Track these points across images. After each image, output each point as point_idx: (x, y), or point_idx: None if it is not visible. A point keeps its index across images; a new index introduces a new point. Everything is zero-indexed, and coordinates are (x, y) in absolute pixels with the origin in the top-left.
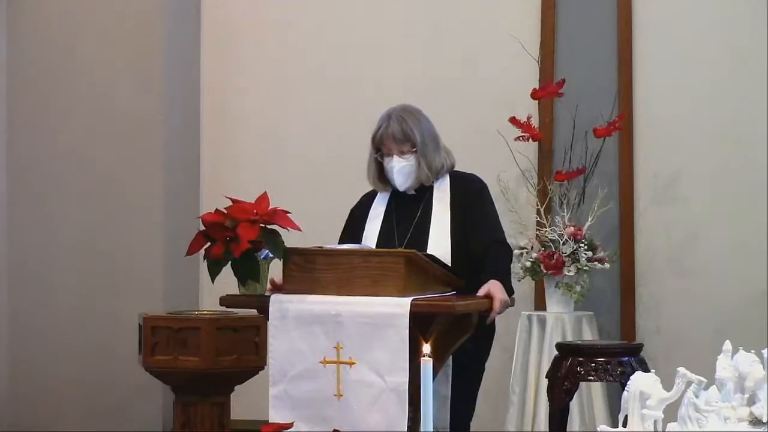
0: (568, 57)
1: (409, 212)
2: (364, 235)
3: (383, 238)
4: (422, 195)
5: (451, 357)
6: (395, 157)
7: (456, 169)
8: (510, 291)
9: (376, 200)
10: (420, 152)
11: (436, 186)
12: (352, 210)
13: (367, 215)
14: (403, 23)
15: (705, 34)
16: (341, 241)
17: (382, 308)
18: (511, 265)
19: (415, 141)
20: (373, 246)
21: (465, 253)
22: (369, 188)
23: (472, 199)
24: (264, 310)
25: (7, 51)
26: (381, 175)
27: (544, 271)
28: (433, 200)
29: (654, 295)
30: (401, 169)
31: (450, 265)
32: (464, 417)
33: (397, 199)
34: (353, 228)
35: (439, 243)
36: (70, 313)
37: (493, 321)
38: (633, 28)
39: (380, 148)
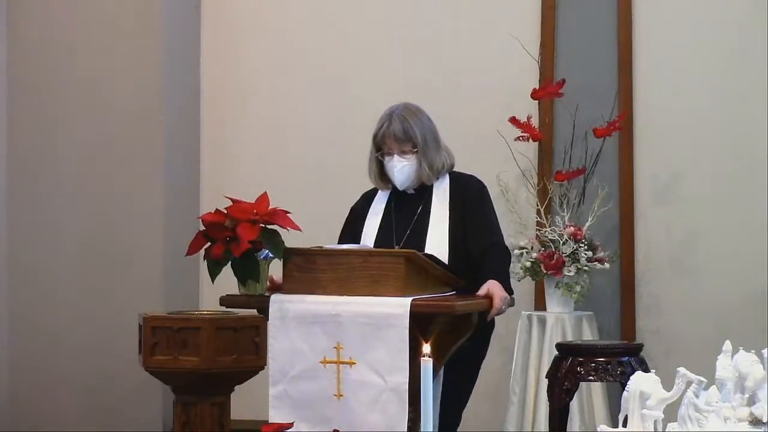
0: (568, 57)
1: (408, 211)
2: (363, 232)
3: (382, 236)
4: (422, 194)
5: None
6: (396, 157)
7: (456, 169)
8: (509, 291)
9: (376, 198)
10: (421, 152)
11: (435, 186)
12: (352, 208)
13: (367, 213)
14: (404, 23)
15: (705, 35)
16: (341, 239)
17: (382, 308)
18: (511, 266)
19: (417, 141)
20: (371, 244)
21: (462, 253)
22: (369, 187)
23: (471, 200)
24: (264, 310)
25: (7, 51)
26: (382, 174)
27: (544, 271)
28: (433, 200)
29: (654, 295)
30: (402, 169)
31: (448, 262)
32: (453, 417)
33: (397, 197)
34: (353, 226)
35: (437, 243)
36: (70, 313)
37: (493, 322)
38: (633, 28)
39: (381, 147)
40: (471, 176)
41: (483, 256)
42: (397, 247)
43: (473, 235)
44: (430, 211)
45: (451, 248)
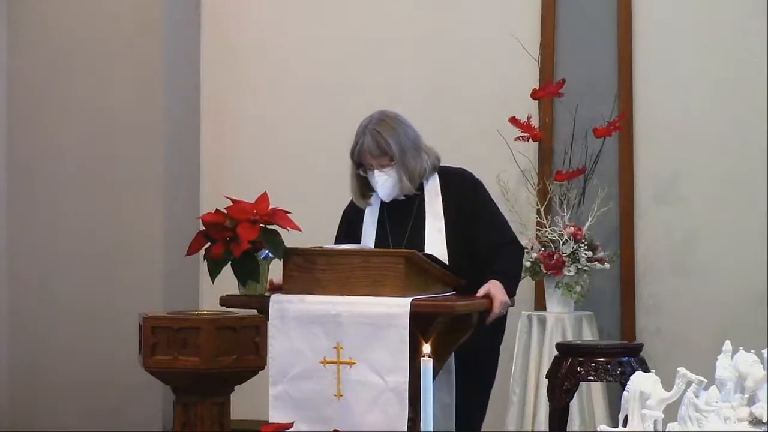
0: (568, 57)
1: (402, 217)
2: (361, 244)
3: (379, 248)
4: (413, 197)
5: (453, 364)
6: (377, 172)
7: (448, 164)
8: (512, 293)
9: (367, 213)
10: (399, 162)
11: (426, 188)
12: (345, 213)
13: (362, 222)
14: (403, 23)
15: (705, 35)
16: (337, 243)
17: (382, 308)
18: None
19: (393, 154)
20: None
21: (462, 253)
22: None
23: (467, 197)
24: (264, 310)
25: (7, 51)
26: (364, 190)
27: (544, 271)
28: (426, 202)
29: (654, 295)
30: (384, 183)
31: (448, 265)
32: (474, 416)
33: (388, 206)
34: (348, 232)
35: (436, 246)
36: (69, 313)
37: (505, 318)
38: (633, 28)
39: (362, 163)
40: (461, 172)
41: (495, 255)
42: None
43: (484, 235)
44: (424, 217)
45: (450, 251)
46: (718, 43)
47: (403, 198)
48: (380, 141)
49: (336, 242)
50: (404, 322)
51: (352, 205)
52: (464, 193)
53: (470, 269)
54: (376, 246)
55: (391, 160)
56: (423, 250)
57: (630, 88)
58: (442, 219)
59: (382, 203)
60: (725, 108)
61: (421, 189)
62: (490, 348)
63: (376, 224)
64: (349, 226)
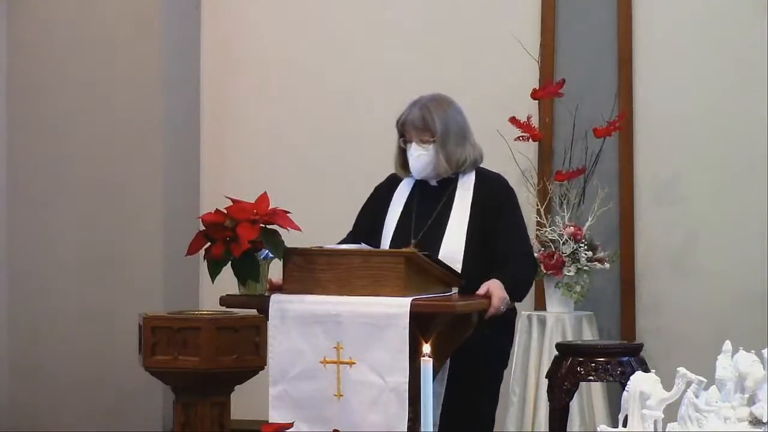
0: (568, 57)
1: (430, 204)
2: (384, 223)
3: (400, 230)
4: (446, 187)
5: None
6: (414, 145)
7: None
8: (518, 298)
9: (400, 187)
10: (439, 142)
11: (460, 181)
12: (376, 188)
13: (390, 200)
14: (404, 23)
15: (705, 34)
16: (359, 218)
17: (382, 308)
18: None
19: (435, 130)
20: (390, 236)
21: (478, 252)
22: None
23: (498, 202)
24: (264, 310)
25: (7, 51)
26: (404, 162)
27: (544, 271)
28: (456, 196)
29: (654, 295)
30: (418, 158)
31: (462, 262)
32: (486, 415)
33: (420, 188)
34: (374, 209)
35: (454, 240)
36: (69, 314)
37: (514, 312)
38: (633, 28)
39: (404, 134)
40: (498, 175)
41: (507, 261)
42: (413, 242)
43: (500, 241)
44: (451, 207)
45: (467, 246)
46: (718, 43)
47: (436, 185)
48: (427, 115)
49: (359, 214)
50: (404, 322)
51: (386, 181)
52: (495, 195)
53: (481, 270)
54: (397, 228)
55: (432, 137)
56: (441, 241)
57: (630, 88)
58: (468, 215)
59: (415, 184)
60: (725, 108)
61: (455, 180)
62: (498, 349)
63: (403, 204)
64: (375, 201)
